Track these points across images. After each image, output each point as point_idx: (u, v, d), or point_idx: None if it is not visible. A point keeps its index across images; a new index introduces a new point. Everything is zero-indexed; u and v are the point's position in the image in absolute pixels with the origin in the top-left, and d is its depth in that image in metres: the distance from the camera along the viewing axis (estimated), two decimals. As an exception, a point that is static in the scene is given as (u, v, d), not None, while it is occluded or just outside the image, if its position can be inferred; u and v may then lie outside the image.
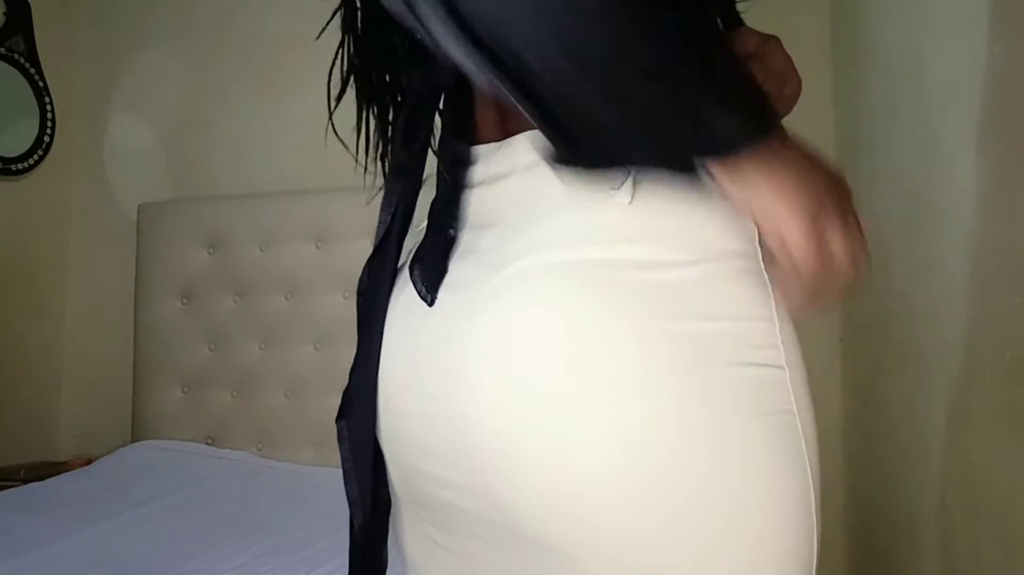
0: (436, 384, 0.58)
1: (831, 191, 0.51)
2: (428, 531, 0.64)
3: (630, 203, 0.53)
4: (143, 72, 2.67)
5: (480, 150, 0.63)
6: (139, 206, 2.56)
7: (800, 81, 0.64)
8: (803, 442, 0.53)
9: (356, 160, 0.74)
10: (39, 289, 2.63)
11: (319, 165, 2.49)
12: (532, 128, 0.56)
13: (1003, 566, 1.01)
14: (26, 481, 2.18)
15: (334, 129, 0.75)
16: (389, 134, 0.74)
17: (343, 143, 0.76)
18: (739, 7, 0.69)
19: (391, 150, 0.73)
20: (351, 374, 0.69)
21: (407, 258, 0.67)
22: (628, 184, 0.53)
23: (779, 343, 0.53)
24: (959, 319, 1.16)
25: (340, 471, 0.71)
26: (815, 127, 2.12)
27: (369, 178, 0.74)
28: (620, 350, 0.51)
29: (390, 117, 0.74)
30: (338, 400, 2.54)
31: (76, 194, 2.72)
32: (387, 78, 0.73)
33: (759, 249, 0.55)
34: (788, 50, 0.67)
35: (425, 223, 0.66)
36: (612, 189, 0.53)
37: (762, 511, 0.52)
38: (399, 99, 0.73)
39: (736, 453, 0.51)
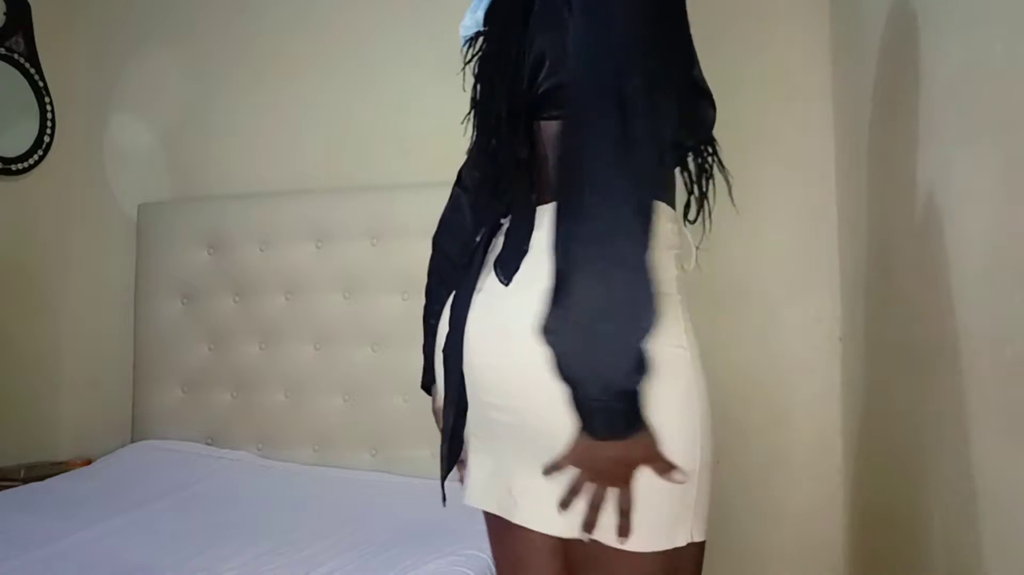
0: (496, 345, 0.96)
1: None
2: (470, 441, 1.04)
3: None
4: (143, 72, 2.68)
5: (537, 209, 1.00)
6: (139, 206, 2.57)
7: None
8: (694, 382, 0.93)
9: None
10: (39, 289, 2.63)
11: (319, 165, 2.51)
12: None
13: (1004, 566, 1.01)
14: (26, 481, 2.19)
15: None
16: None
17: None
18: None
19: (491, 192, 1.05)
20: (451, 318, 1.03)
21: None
22: None
23: (684, 334, 0.94)
24: (959, 318, 1.16)
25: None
26: (815, 127, 2.12)
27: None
28: None
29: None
30: (338, 401, 2.54)
31: (76, 194, 2.72)
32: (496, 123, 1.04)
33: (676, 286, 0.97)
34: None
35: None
36: None
37: (668, 403, 0.90)
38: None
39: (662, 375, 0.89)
